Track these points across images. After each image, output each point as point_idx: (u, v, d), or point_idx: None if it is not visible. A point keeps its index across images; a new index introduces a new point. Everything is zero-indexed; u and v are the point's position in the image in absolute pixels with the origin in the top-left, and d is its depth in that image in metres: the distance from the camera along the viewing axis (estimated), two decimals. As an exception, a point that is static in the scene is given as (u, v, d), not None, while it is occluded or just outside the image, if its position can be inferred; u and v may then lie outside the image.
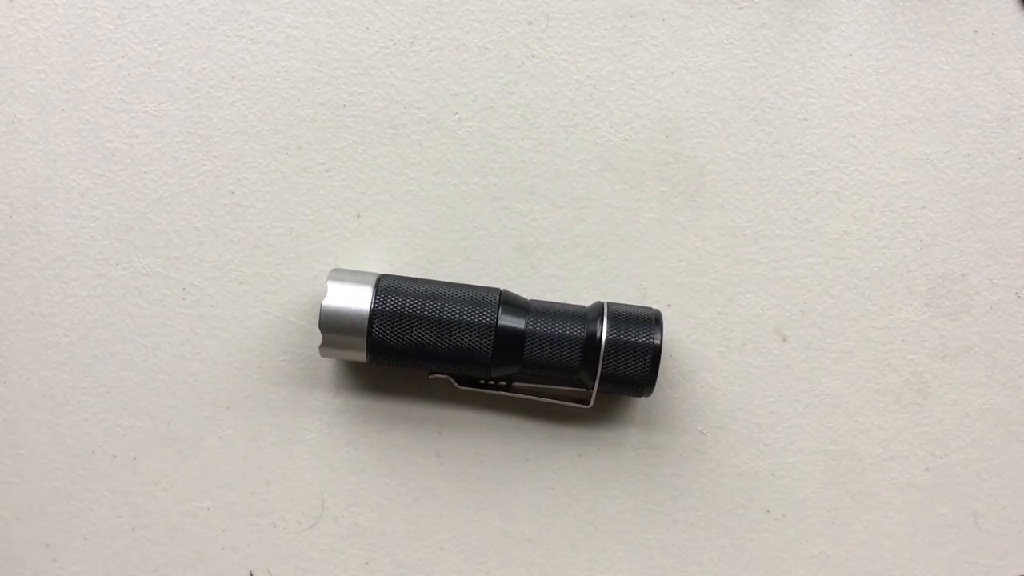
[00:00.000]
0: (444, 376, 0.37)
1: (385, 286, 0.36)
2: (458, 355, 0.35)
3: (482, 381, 0.38)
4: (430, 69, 0.39)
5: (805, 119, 0.39)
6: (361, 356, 0.36)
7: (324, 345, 0.36)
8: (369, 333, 0.35)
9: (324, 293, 0.35)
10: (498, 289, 0.37)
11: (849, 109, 0.39)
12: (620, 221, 0.39)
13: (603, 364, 0.35)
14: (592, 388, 0.36)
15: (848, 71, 0.39)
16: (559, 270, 0.39)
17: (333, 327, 0.35)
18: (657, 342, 0.35)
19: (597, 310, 0.36)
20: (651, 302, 0.39)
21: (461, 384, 0.38)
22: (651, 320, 0.36)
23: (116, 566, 0.39)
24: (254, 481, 0.39)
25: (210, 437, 0.39)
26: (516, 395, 0.38)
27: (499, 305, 0.36)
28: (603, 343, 0.35)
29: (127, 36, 0.38)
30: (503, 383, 0.38)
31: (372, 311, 0.35)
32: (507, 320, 0.35)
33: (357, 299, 0.35)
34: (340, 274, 0.36)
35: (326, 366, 0.39)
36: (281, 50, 0.38)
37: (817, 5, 0.39)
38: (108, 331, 0.39)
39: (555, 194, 0.39)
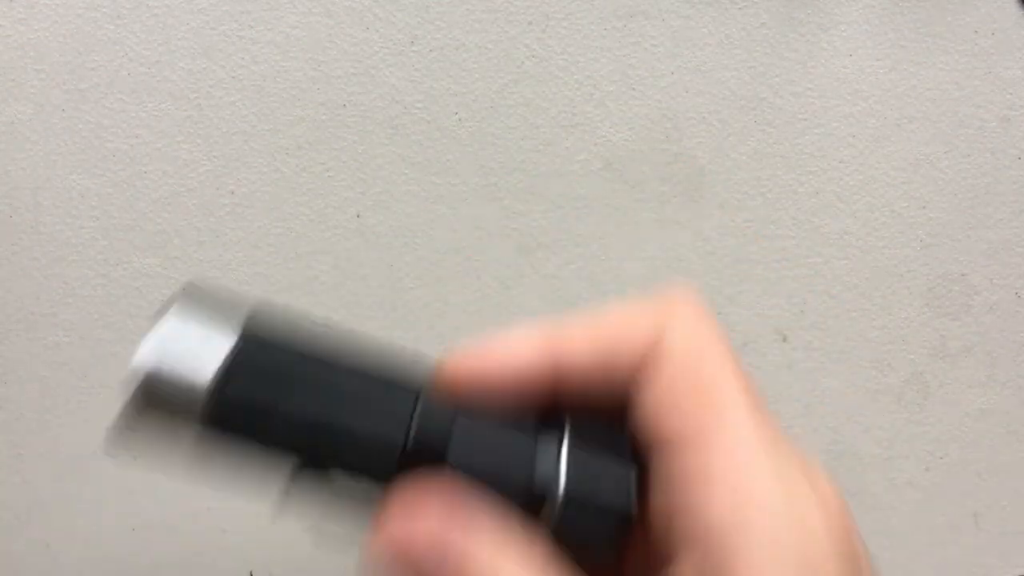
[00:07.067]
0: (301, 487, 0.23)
1: (254, 342, 0.22)
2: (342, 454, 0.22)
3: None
4: (430, 69, 0.39)
5: (805, 119, 0.39)
6: (181, 446, 0.21)
7: (122, 429, 0.21)
8: (211, 416, 0.21)
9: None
10: (416, 389, 0.23)
11: (849, 109, 0.39)
12: (620, 221, 0.39)
13: (546, 522, 0.22)
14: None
15: (848, 71, 0.39)
16: (559, 270, 0.39)
17: (161, 396, 0.21)
18: (629, 509, 0.23)
19: (554, 434, 0.23)
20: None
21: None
22: (621, 479, 0.23)
23: (116, 566, 0.39)
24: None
25: (210, 437, 0.39)
26: None
27: (412, 414, 0.22)
28: (558, 499, 0.22)
29: (127, 36, 0.38)
30: None
31: (220, 386, 0.21)
32: (423, 439, 0.22)
33: (201, 359, 0.21)
34: (187, 307, 0.22)
35: (326, 366, 0.39)
36: (281, 50, 0.38)
37: (817, 5, 0.39)
38: (108, 331, 0.39)
39: (555, 194, 0.39)
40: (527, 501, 0.22)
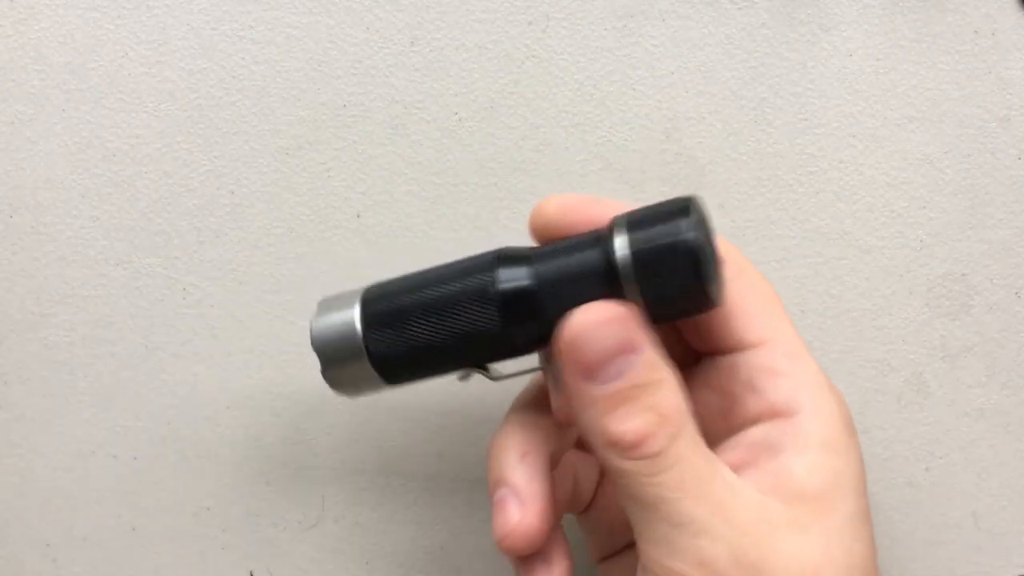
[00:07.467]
0: (474, 373, 0.30)
1: (370, 296, 0.30)
2: (467, 341, 0.28)
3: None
4: (430, 69, 0.39)
5: (805, 119, 0.39)
6: (377, 381, 0.30)
7: (332, 383, 0.31)
8: (367, 349, 0.29)
9: (317, 312, 0.31)
10: (498, 249, 0.29)
11: (849, 109, 0.39)
12: (620, 221, 0.39)
13: (634, 288, 0.26)
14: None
15: (848, 71, 0.39)
16: (559, 270, 0.39)
17: (332, 358, 0.30)
18: (687, 236, 0.25)
19: (607, 227, 0.27)
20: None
21: (495, 377, 0.30)
22: (676, 212, 0.26)
23: (116, 566, 0.39)
24: (254, 481, 0.39)
25: (210, 437, 0.39)
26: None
27: (495, 265, 0.28)
28: (618, 268, 0.26)
29: (127, 36, 0.38)
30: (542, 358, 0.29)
31: (363, 322, 0.29)
32: (508, 279, 0.27)
33: (343, 316, 0.29)
34: (325, 302, 0.31)
35: (326, 366, 0.39)
36: (281, 50, 0.38)
37: (817, 5, 0.39)
38: (108, 331, 0.39)
39: (555, 194, 0.39)
40: (610, 283, 0.26)
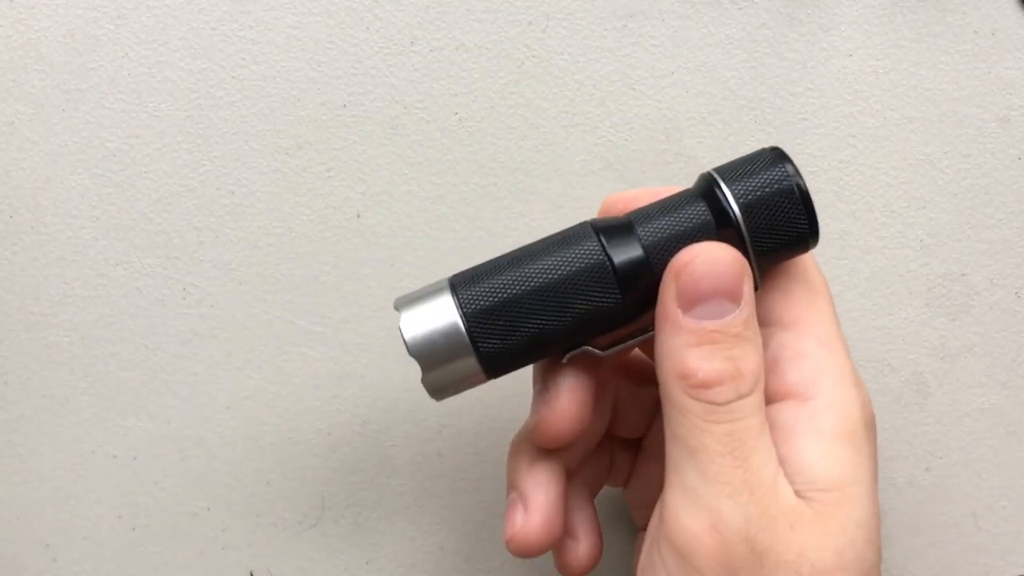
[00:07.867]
0: (582, 351, 0.29)
1: (463, 290, 0.28)
2: (585, 321, 0.27)
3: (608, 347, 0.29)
4: (430, 69, 0.39)
5: (805, 119, 0.39)
6: (480, 378, 0.28)
7: (433, 388, 0.28)
8: (476, 347, 0.27)
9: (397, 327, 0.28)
10: (582, 224, 0.29)
11: (849, 109, 0.39)
12: (620, 221, 0.39)
13: (751, 239, 0.27)
14: (753, 273, 0.28)
15: (848, 71, 0.39)
16: (559, 270, 0.39)
17: (435, 362, 0.27)
18: (793, 181, 0.27)
19: (705, 183, 0.29)
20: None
21: (605, 349, 0.29)
22: (772, 160, 0.27)
23: (116, 566, 0.39)
24: (254, 481, 0.39)
25: (210, 437, 0.39)
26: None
27: (598, 239, 0.28)
28: (738, 216, 0.27)
29: (127, 36, 0.38)
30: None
31: (464, 315, 0.27)
32: (621, 251, 0.27)
33: (441, 316, 0.27)
34: (406, 303, 0.28)
35: (325, 366, 0.39)
36: (281, 50, 0.38)
37: (817, 5, 0.39)
38: (108, 331, 0.39)
39: (555, 194, 0.39)
40: (718, 234, 0.27)
